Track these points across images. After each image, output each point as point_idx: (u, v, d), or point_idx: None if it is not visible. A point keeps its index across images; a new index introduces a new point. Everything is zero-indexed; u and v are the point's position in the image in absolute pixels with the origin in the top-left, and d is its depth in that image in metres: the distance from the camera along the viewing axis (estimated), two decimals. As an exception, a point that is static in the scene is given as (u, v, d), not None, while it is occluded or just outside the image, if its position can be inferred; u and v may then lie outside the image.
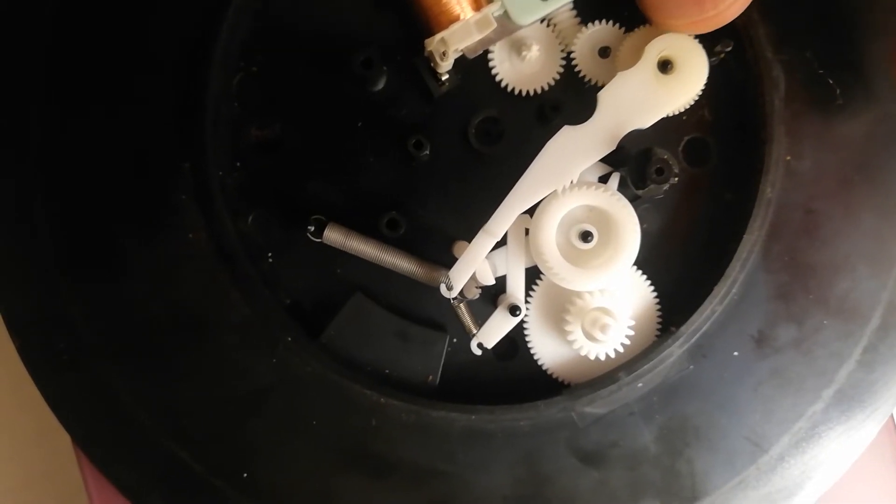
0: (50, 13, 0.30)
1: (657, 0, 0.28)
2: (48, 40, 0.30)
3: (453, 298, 0.29)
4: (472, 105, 0.30)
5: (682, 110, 0.30)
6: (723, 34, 0.29)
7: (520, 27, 0.28)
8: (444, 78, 0.29)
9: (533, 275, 0.30)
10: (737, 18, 0.28)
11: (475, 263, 0.28)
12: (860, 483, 0.33)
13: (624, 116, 0.28)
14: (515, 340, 0.31)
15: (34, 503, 0.40)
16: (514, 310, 0.29)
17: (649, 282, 0.30)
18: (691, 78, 0.28)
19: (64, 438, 0.31)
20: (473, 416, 0.29)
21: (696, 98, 0.30)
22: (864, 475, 0.33)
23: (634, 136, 0.30)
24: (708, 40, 0.28)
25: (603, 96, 0.28)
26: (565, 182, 0.28)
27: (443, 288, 0.29)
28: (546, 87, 0.30)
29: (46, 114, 0.30)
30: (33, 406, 0.38)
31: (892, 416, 0.32)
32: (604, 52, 0.30)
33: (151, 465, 0.30)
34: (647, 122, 0.28)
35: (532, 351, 0.30)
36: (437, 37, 0.28)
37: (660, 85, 0.28)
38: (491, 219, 0.28)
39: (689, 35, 0.28)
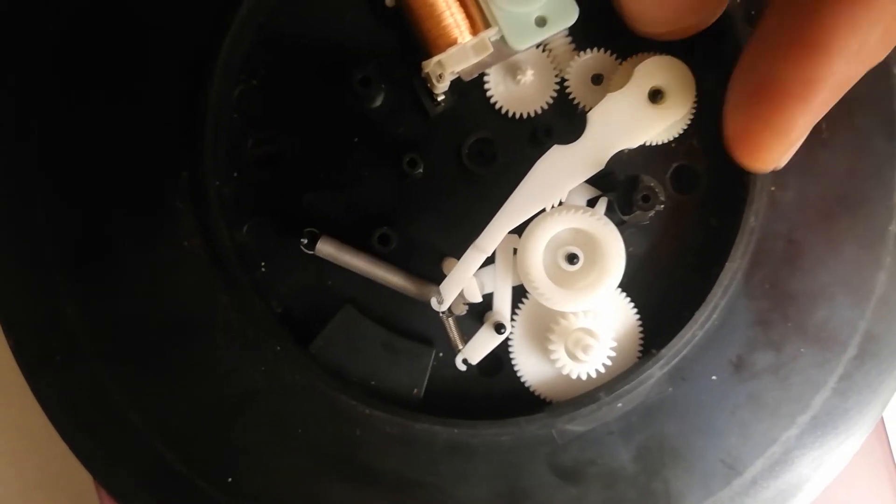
0: (56, 23, 0.31)
1: (636, 11, 0.28)
2: (53, 46, 0.31)
3: (442, 312, 0.29)
4: (467, 126, 0.31)
5: (672, 137, 0.30)
6: (715, 68, 0.29)
7: (515, 52, 0.29)
8: (440, 99, 0.30)
9: (519, 294, 0.31)
10: (729, 53, 0.28)
11: (465, 278, 0.29)
12: (853, 492, 0.34)
13: (613, 136, 0.29)
14: (500, 357, 0.31)
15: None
16: (499, 327, 0.30)
17: (632, 304, 0.31)
18: (679, 100, 0.29)
19: None
20: (456, 430, 0.30)
21: (686, 125, 0.30)
22: (856, 484, 0.33)
23: (623, 162, 0.30)
24: (697, 69, 0.29)
25: (593, 116, 0.29)
26: (555, 200, 0.29)
27: (433, 301, 0.29)
28: (539, 111, 0.31)
29: (48, 119, 0.30)
30: None
31: (882, 421, 0.33)
32: (596, 79, 0.31)
33: (139, 467, 0.30)
34: (634, 142, 0.29)
35: (516, 368, 0.31)
36: (435, 59, 0.28)
37: (648, 106, 0.29)
38: (481, 235, 0.29)
39: (679, 61, 0.29)
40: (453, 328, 0.30)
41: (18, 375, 0.40)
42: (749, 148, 0.26)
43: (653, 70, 0.29)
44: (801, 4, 0.24)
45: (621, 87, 0.29)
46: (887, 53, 0.24)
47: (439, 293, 0.29)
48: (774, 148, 0.26)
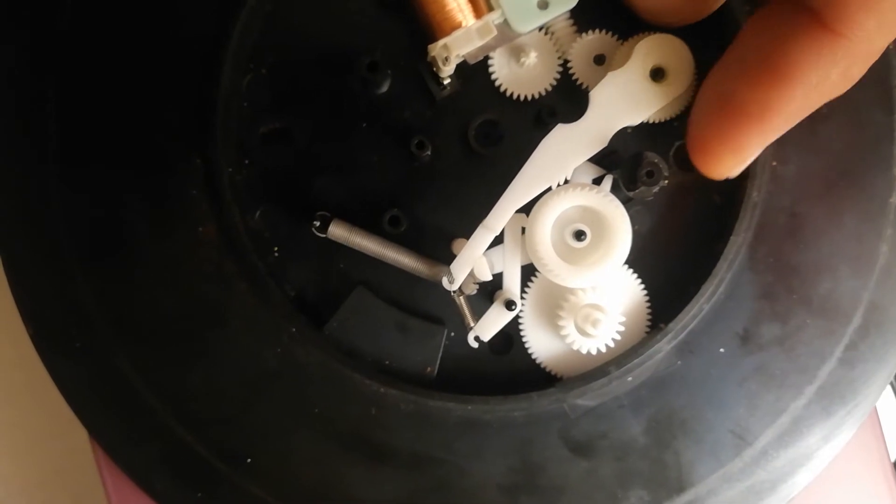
0: (67, 15, 0.31)
1: (645, 4, 0.30)
2: (65, 38, 0.31)
3: (454, 291, 0.30)
4: (473, 108, 0.32)
5: (673, 115, 0.31)
6: (714, 46, 0.30)
7: (519, 35, 0.29)
8: (446, 82, 0.31)
9: (527, 274, 0.31)
10: (728, 33, 0.29)
11: (475, 257, 0.30)
12: (844, 476, 0.34)
13: (615, 114, 0.29)
14: (510, 335, 0.32)
15: (49, 501, 0.41)
16: (510, 304, 0.30)
17: (640, 280, 0.32)
18: (679, 78, 0.30)
19: (79, 436, 0.31)
20: (469, 407, 0.30)
21: (687, 103, 0.31)
22: (848, 467, 0.34)
23: (627, 141, 0.31)
24: (699, 51, 0.30)
25: (594, 95, 0.29)
26: (560, 178, 0.29)
27: (444, 281, 0.30)
28: (543, 93, 0.32)
29: (64, 107, 0.31)
30: (49, 404, 0.39)
31: (875, 409, 0.34)
32: (599, 59, 0.31)
33: (158, 449, 0.31)
34: (636, 119, 0.30)
35: (526, 345, 0.32)
36: (440, 42, 0.29)
37: (648, 84, 0.30)
38: (489, 214, 0.29)
39: (678, 39, 0.30)
40: (465, 306, 0.30)
41: (19, 372, 0.40)
42: (705, 157, 0.28)
43: (652, 48, 0.30)
44: (773, 35, 0.25)
45: (622, 65, 0.30)
46: (845, 91, 0.26)
47: (450, 273, 0.30)
48: (727, 161, 0.28)
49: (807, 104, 0.26)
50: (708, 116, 0.28)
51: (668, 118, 0.31)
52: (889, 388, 0.39)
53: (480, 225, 0.29)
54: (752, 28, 0.27)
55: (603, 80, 0.29)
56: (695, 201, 0.32)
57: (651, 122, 0.31)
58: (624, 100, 0.29)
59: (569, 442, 0.31)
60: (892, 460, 0.35)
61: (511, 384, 0.31)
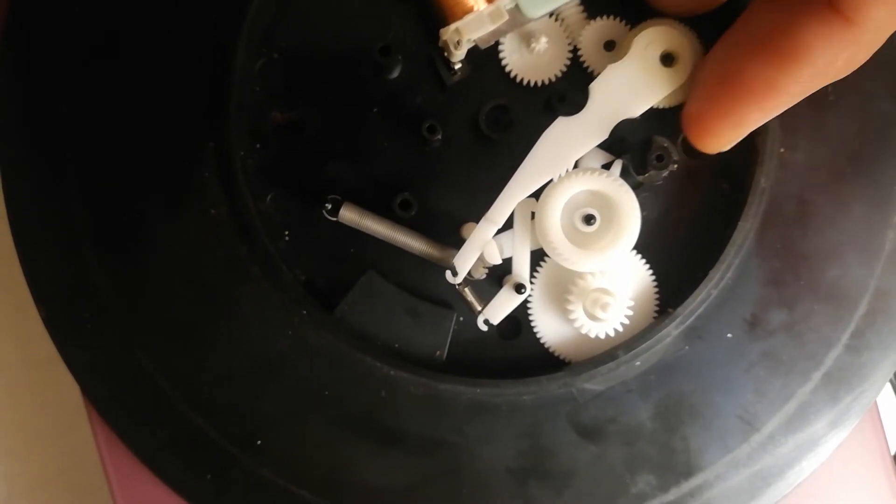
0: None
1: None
2: (81, 21, 0.32)
3: (458, 284, 0.30)
4: (483, 94, 0.32)
5: (683, 101, 0.31)
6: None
7: (530, 20, 0.29)
8: (456, 67, 0.31)
9: (537, 258, 0.32)
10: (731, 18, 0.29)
11: (478, 250, 0.30)
12: (844, 470, 0.34)
13: (615, 106, 0.29)
14: (519, 320, 0.32)
15: (53, 500, 0.41)
16: (519, 287, 0.31)
17: (648, 266, 0.32)
18: (681, 65, 0.30)
19: (83, 436, 0.31)
20: (479, 390, 0.30)
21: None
22: (847, 461, 0.34)
23: (635, 127, 0.31)
24: (704, 35, 0.30)
25: (594, 88, 0.30)
26: (562, 170, 0.29)
27: (448, 274, 0.30)
28: (553, 79, 0.32)
29: (78, 91, 0.31)
30: (53, 404, 0.39)
31: (875, 403, 0.34)
32: (609, 45, 0.32)
33: (168, 433, 0.31)
34: (636, 111, 0.30)
35: (535, 330, 0.32)
36: (452, 27, 0.29)
37: (648, 76, 0.30)
38: (492, 207, 0.29)
39: (676, 28, 0.30)
40: (470, 296, 0.30)
41: (22, 373, 0.40)
42: (700, 131, 0.28)
43: (651, 38, 0.29)
44: (784, 16, 0.25)
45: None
46: (846, 75, 0.26)
47: (453, 265, 0.30)
48: (723, 136, 0.28)
49: (811, 86, 0.26)
50: (709, 91, 0.28)
51: (676, 104, 0.31)
52: (888, 385, 0.39)
53: (483, 218, 0.29)
54: (761, 6, 0.27)
55: (602, 73, 0.29)
56: (703, 188, 0.32)
57: (660, 107, 0.31)
58: (623, 92, 0.29)
59: (577, 426, 0.31)
60: (893, 454, 0.35)
61: (520, 368, 0.31)
